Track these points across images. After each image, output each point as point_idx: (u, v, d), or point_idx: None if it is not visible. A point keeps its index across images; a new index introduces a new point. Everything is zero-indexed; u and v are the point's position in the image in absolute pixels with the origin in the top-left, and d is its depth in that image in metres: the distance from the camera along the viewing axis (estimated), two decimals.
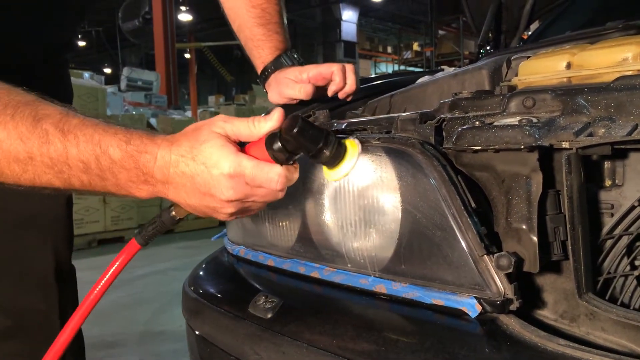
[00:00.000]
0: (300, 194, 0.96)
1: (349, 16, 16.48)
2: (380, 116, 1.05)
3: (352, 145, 0.73)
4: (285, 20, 1.32)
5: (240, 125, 0.72)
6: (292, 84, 1.21)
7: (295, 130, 0.68)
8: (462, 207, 0.74)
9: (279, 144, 0.69)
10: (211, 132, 0.71)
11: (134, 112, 7.11)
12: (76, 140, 0.70)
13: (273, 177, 0.70)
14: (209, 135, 0.70)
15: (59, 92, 1.25)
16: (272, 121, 0.71)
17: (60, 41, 1.22)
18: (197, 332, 1.05)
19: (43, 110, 0.71)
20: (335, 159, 0.72)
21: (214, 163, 0.69)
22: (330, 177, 0.74)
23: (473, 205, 0.75)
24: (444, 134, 0.84)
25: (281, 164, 0.71)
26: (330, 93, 1.20)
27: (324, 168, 0.74)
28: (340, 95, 1.22)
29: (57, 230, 1.19)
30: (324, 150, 0.70)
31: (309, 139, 0.69)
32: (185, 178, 0.71)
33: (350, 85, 1.21)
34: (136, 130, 0.72)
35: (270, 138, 0.70)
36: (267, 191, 0.72)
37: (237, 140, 0.72)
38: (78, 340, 1.29)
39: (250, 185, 0.71)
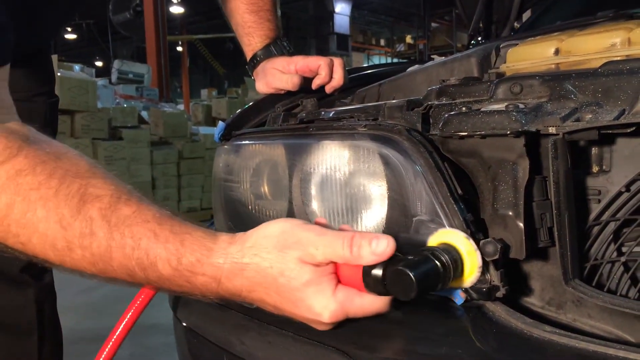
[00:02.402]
0: (287, 182, 0.95)
1: (341, 9, 16.42)
2: (367, 104, 1.04)
3: (463, 243, 0.65)
4: (278, 8, 1.31)
5: (335, 248, 0.59)
6: (280, 74, 1.20)
7: (412, 295, 0.58)
8: (449, 194, 0.73)
9: (384, 291, 0.60)
10: (301, 263, 0.59)
11: (125, 105, 7.05)
12: (122, 241, 0.59)
13: (382, 309, 0.63)
14: (299, 270, 0.59)
15: (44, 81, 1.25)
16: (376, 256, 0.59)
17: (47, 39, 1.23)
18: (184, 324, 1.04)
19: (93, 188, 0.60)
20: (457, 272, 0.64)
21: (308, 306, 0.60)
22: (464, 285, 0.67)
23: (459, 191, 0.75)
24: (430, 121, 0.83)
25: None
26: (314, 86, 1.20)
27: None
28: (327, 89, 1.22)
29: None
30: (445, 285, 0.63)
31: (427, 289, 0.61)
32: (266, 304, 0.62)
33: (338, 80, 1.20)
34: (192, 235, 0.61)
35: (377, 286, 0.60)
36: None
37: (331, 262, 0.61)
38: (56, 333, 1.29)
39: (353, 317, 0.64)
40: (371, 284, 0.60)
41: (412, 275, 0.57)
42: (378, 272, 0.59)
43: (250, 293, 0.61)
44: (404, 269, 0.58)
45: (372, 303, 0.61)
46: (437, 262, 0.61)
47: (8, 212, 0.59)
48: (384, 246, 0.59)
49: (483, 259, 0.69)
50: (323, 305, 0.59)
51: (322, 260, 0.60)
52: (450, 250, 0.64)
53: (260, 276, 0.59)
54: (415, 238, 0.75)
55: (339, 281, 0.62)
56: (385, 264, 0.60)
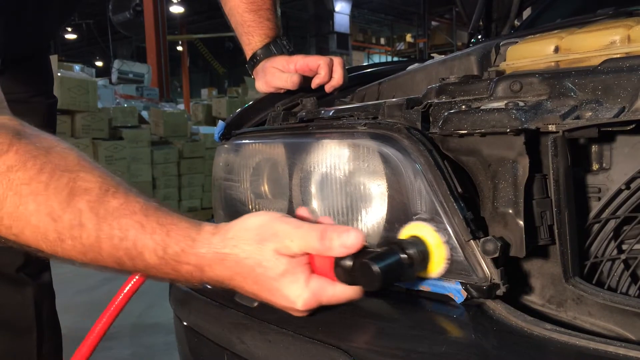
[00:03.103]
0: (287, 181, 0.95)
1: (341, 7, 16.39)
2: (367, 103, 1.04)
3: (430, 234, 0.69)
4: (278, 7, 1.31)
5: (308, 242, 0.63)
6: (279, 73, 1.20)
7: (376, 286, 0.62)
8: (448, 192, 0.73)
9: (353, 282, 0.65)
10: (277, 255, 0.63)
11: (125, 105, 7.05)
12: (110, 232, 0.62)
13: (354, 296, 0.67)
14: (275, 261, 0.63)
15: (42, 82, 1.25)
16: (345, 249, 0.63)
17: (45, 40, 1.24)
18: (184, 323, 1.04)
19: (82, 182, 0.62)
20: (424, 263, 0.69)
21: (283, 295, 0.64)
22: (430, 275, 0.71)
23: (459, 190, 0.74)
24: (430, 119, 0.83)
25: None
26: (313, 85, 1.19)
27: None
28: (327, 88, 1.21)
29: None
30: (412, 277, 0.68)
31: (392, 280, 0.66)
32: (246, 292, 0.66)
33: (337, 79, 1.20)
34: (178, 225, 0.64)
35: (346, 276, 0.64)
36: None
37: (306, 253, 0.65)
38: (55, 332, 1.29)
39: (326, 305, 0.67)
40: (341, 274, 0.64)
41: (376, 268, 0.61)
42: (347, 263, 0.63)
43: (231, 281, 0.65)
44: (369, 262, 0.62)
45: (343, 292, 0.65)
46: (402, 255, 0.66)
47: (1, 206, 0.61)
48: (353, 239, 0.63)
49: (483, 257, 0.69)
50: (297, 294, 0.63)
51: (297, 251, 0.63)
52: (418, 242, 0.69)
53: (239, 266, 0.63)
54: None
55: (312, 271, 0.65)
56: (354, 256, 0.63)
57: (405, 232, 0.72)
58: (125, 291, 0.76)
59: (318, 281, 0.64)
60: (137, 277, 0.75)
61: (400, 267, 0.65)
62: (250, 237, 0.64)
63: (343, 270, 0.63)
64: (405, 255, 0.66)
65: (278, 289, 0.63)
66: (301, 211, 0.73)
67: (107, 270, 0.66)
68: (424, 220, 0.72)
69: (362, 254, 0.63)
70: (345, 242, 0.63)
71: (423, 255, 0.68)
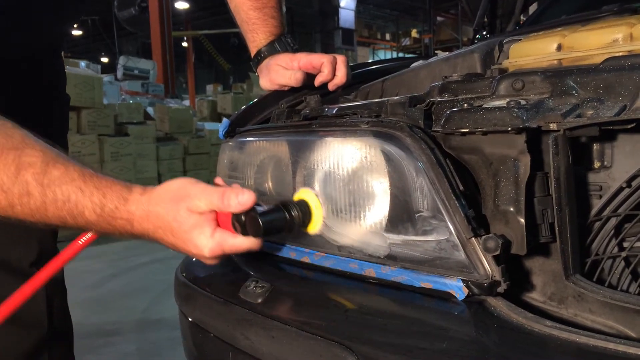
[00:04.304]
0: (290, 178, 0.96)
1: (346, 3, 16.35)
2: (370, 100, 1.04)
3: (313, 199, 0.84)
4: (282, 5, 1.31)
5: (212, 200, 0.76)
6: (283, 70, 1.21)
7: (260, 234, 0.76)
8: (450, 190, 0.74)
9: (247, 234, 0.77)
10: (189, 212, 0.75)
11: (130, 101, 7.07)
12: (54, 197, 0.73)
13: (251, 247, 0.78)
14: (187, 217, 0.75)
15: (55, 80, 1.26)
16: (240, 206, 0.75)
17: (54, 40, 1.24)
18: (189, 319, 1.05)
19: (26, 157, 0.73)
20: (304, 223, 0.83)
21: (194, 244, 0.76)
22: (310, 231, 0.85)
23: (461, 188, 0.75)
24: (433, 117, 0.83)
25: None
26: (316, 83, 1.20)
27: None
28: (330, 86, 1.22)
29: None
30: (291, 231, 0.81)
31: (274, 233, 0.79)
32: (166, 243, 0.78)
33: (340, 77, 1.21)
34: (112, 188, 0.75)
35: (238, 226, 0.76)
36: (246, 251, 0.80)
37: (212, 211, 0.77)
38: (66, 328, 1.30)
39: (230, 254, 0.79)
40: (237, 226, 0.76)
41: (260, 220, 0.75)
42: (241, 217, 0.76)
43: (155, 233, 0.76)
44: (255, 215, 0.76)
45: (242, 242, 0.77)
46: (285, 212, 0.80)
47: None
48: (247, 198, 0.75)
49: (484, 255, 0.69)
50: (204, 243, 0.76)
51: (204, 209, 0.76)
52: (302, 204, 0.84)
53: (160, 221, 0.75)
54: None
55: (218, 225, 0.78)
56: (247, 212, 0.76)
57: (295, 196, 0.87)
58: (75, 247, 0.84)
59: (221, 233, 0.77)
60: (87, 235, 0.83)
61: (283, 222, 0.80)
62: (169, 197, 0.76)
63: (238, 223, 0.76)
64: (287, 214, 0.80)
65: (190, 239, 0.75)
66: (217, 180, 0.85)
67: (53, 227, 0.78)
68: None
69: (252, 211, 0.76)
70: (240, 200, 0.75)
71: (305, 215, 0.83)
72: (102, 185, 0.75)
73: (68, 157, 0.77)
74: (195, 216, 0.75)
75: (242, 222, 0.76)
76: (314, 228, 0.85)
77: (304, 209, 0.83)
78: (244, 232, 0.76)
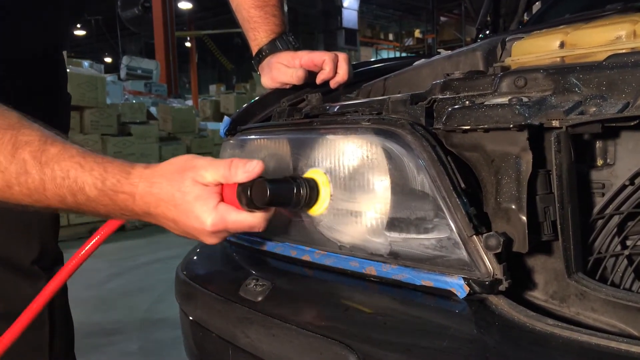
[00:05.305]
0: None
1: (349, 3, 16.34)
2: (372, 98, 1.04)
3: (322, 177, 0.80)
4: (284, 3, 1.31)
5: (219, 171, 0.73)
6: (285, 68, 1.21)
7: (265, 202, 0.72)
8: (451, 188, 0.73)
9: (252, 205, 0.73)
10: (193, 182, 0.73)
11: (133, 101, 7.08)
12: (53, 174, 0.70)
13: (255, 225, 0.75)
14: (192, 187, 0.72)
15: (56, 80, 1.26)
16: (247, 173, 0.73)
17: (56, 40, 1.25)
18: (190, 318, 1.05)
19: (23, 136, 0.71)
20: (311, 200, 0.79)
21: (196, 216, 0.72)
22: (314, 213, 0.81)
23: (462, 185, 0.74)
24: (434, 115, 0.83)
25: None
26: (318, 81, 1.20)
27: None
28: (332, 84, 1.22)
29: (42, 218, 1.19)
30: (298, 206, 0.77)
31: (280, 204, 0.75)
32: (167, 219, 0.74)
33: (342, 75, 1.21)
34: (113, 163, 0.73)
35: (243, 196, 0.73)
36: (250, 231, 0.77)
37: (218, 183, 0.74)
38: (67, 326, 1.30)
39: (232, 231, 0.76)
40: (242, 198, 0.73)
41: (267, 187, 0.72)
42: (247, 187, 0.73)
43: (156, 208, 0.73)
44: (262, 181, 0.73)
45: (246, 218, 0.74)
46: (294, 184, 0.77)
47: None
48: (254, 165, 0.73)
49: (486, 252, 0.69)
50: (207, 215, 0.72)
51: (210, 181, 0.73)
52: (310, 181, 0.81)
53: (163, 192, 0.72)
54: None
55: (222, 200, 0.75)
56: (253, 181, 0.73)
57: (306, 175, 0.84)
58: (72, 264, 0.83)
59: (225, 207, 0.74)
60: (96, 238, 0.83)
61: (290, 194, 0.76)
62: (174, 169, 0.74)
63: (243, 191, 0.73)
64: (295, 187, 0.77)
65: (192, 210, 0.72)
66: None
67: (51, 209, 0.75)
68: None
69: (260, 177, 0.74)
70: (247, 168, 0.73)
71: (313, 191, 0.79)
72: (102, 161, 0.73)
73: (65, 137, 0.75)
74: (200, 187, 0.73)
75: (248, 192, 0.72)
76: (319, 209, 0.81)
77: (313, 186, 0.80)
78: (249, 204, 0.73)
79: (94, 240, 0.82)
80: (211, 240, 0.76)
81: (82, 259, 0.82)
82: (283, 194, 0.75)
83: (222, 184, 0.74)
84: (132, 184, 0.72)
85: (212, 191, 0.73)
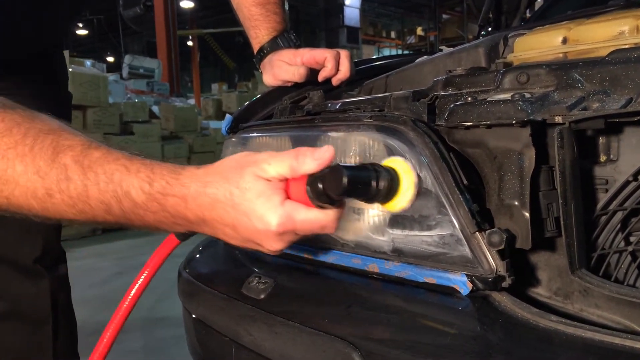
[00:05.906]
0: None
1: (351, 1, 16.32)
2: (374, 95, 1.03)
3: (402, 166, 0.66)
4: (285, 1, 1.31)
5: (285, 164, 0.64)
6: (286, 66, 1.20)
7: (341, 191, 0.61)
8: (454, 184, 0.73)
9: (324, 198, 0.63)
10: (255, 177, 0.64)
11: (136, 100, 7.08)
12: (96, 178, 0.64)
13: (327, 224, 0.65)
14: (253, 183, 0.63)
15: (56, 78, 1.26)
16: (317, 161, 0.63)
17: (55, 39, 1.25)
18: (193, 315, 1.05)
19: (65, 140, 0.66)
20: (391, 192, 0.65)
21: (259, 216, 0.63)
22: (391, 209, 0.67)
23: (465, 182, 0.74)
24: (436, 112, 0.83)
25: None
26: (320, 79, 1.20)
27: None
28: (334, 81, 1.22)
29: None
30: (375, 199, 0.65)
31: (358, 195, 0.64)
32: (225, 224, 0.65)
33: (344, 72, 1.20)
34: (162, 165, 0.66)
35: (316, 187, 0.63)
36: (320, 232, 0.67)
37: (283, 179, 0.65)
38: (70, 324, 1.30)
39: (300, 234, 0.65)
40: (313, 187, 0.63)
41: (343, 171, 0.60)
42: (317, 178, 0.63)
43: (212, 211, 0.64)
44: (338, 165, 0.62)
45: (317, 216, 0.64)
46: (373, 171, 0.64)
47: None
48: (324, 151, 0.63)
49: (489, 249, 0.68)
50: (272, 213, 0.63)
51: (274, 175, 0.64)
52: (390, 169, 0.66)
53: (220, 192, 0.64)
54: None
55: (288, 197, 0.65)
56: (325, 169, 0.63)
57: (385, 163, 0.69)
58: (137, 286, 0.77)
59: (292, 204, 0.64)
60: (146, 272, 0.78)
61: (368, 183, 0.63)
62: (232, 165, 0.66)
63: (314, 182, 0.63)
64: (375, 174, 0.64)
65: (254, 209, 0.63)
66: None
67: (96, 223, 0.69)
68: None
69: (334, 164, 0.64)
70: (317, 156, 0.63)
71: (391, 186, 0.65)
72: (150, 163, 0.66)
73: (109, 144, 0.69)
74: (262, 182, 0.63)
75: (320, 178, 0.62)
76: (399, 204, 0.66)
77: (393, 177, 0.65)
78: (320, 199, 0.63)
79: (153, 263, 0.78)
80: (277, 246, 0.66)
81: (144, 283, 0.79)
82: (361, 183, 0.63)
83: (287, 179, 0.65)
84: (183, 185, 0.64)
85: (277, 187, 0.64)
